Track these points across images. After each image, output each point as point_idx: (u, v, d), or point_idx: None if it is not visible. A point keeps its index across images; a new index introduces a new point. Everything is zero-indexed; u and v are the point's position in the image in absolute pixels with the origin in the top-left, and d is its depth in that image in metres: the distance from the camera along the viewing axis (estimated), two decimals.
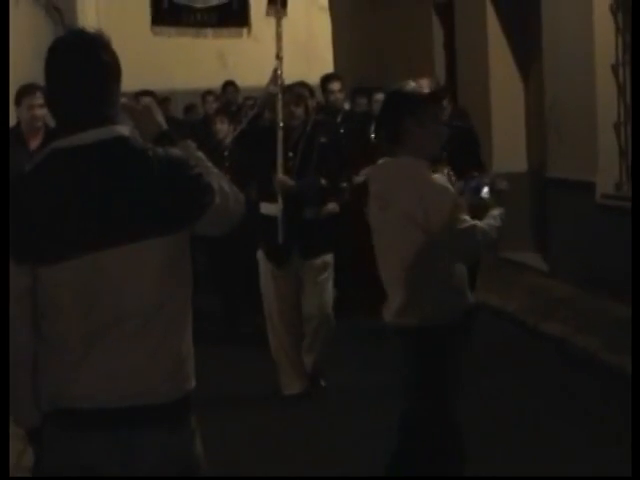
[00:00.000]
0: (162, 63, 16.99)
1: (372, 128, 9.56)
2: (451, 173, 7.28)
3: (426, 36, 13.68)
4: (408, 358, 4.23)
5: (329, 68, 15.93)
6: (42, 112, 6.74)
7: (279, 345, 6.98)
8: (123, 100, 3.02)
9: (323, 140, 6.94)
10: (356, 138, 8.83)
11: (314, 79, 9.80)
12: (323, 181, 6.83)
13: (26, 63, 9.92)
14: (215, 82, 14.19)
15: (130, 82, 13.53)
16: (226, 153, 8.69)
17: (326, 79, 10.22)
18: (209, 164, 3.06)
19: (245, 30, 10.84)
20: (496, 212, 4.34)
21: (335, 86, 9.93)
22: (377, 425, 5.85)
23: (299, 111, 6.88)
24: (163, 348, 2.87)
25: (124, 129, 2.88)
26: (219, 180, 2.99)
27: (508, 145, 11.45)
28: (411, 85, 4.32)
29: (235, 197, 3.03)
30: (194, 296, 3.01)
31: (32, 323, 2.88)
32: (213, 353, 7.63)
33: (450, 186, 4.24)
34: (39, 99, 6.80)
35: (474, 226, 4.17)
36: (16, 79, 8.52)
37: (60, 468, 2.87)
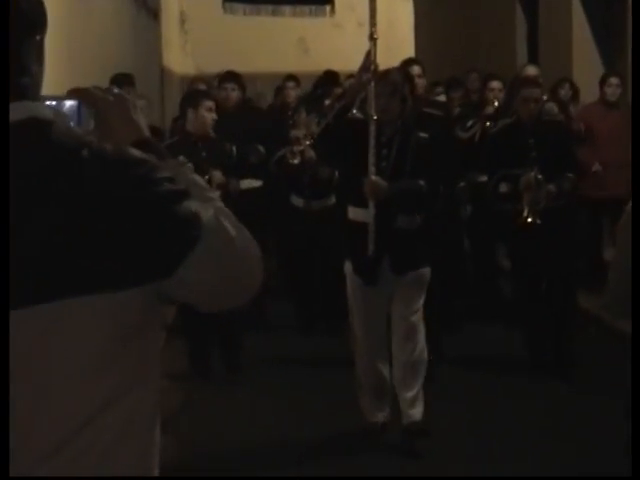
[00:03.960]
0: (241, 43, 16.94)
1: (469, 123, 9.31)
2: (539, 176, 6.96)
3: (509, 27, 13.53)
4: None
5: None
6: None
7: (365, 366, 6.05)
8: (90, 87, 2.05)
9: (422, 135, 5.99)
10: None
11: None
12: (422, 183, 5.86)
13: (110, 46, 10.03)
14: (295, 67, 14.20)
15: (207, 62, 13.51)
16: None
17: (405, 63, 9.26)
18: (211, 194, 1.99)
19: (328, 8, 9.68)
20: None
21: (415, 70, 8.99)
22: None
23: (394, 102, 5.88)
24: None
25: (45, 110, 1.82)
26: (221, 216, 1.87)
27: None
28: None
29: (246, 248, 1.90)
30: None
31: None
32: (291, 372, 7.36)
33: None
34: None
35: None
36: (101, 62, 8.64)
37: None
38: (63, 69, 6.50)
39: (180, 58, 17.23)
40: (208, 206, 1.87)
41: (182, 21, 17.97)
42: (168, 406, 5.72)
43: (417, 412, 5.99)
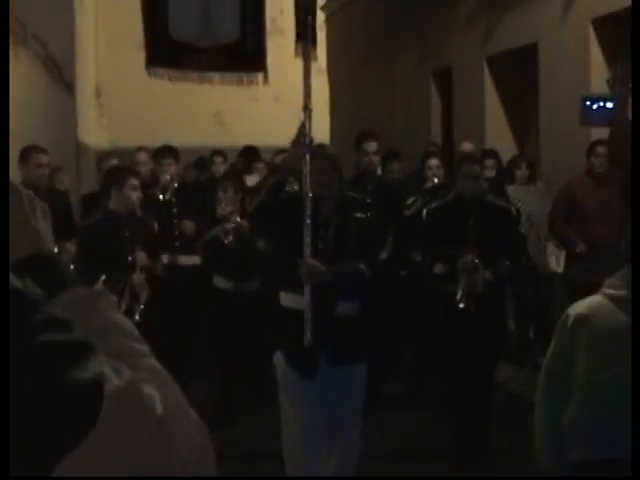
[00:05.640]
0: (157, 117, 16.90)
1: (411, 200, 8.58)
2: (476, 260, 6.60)
3: (424, 102, 13.73)
4: None
5: (326, 132, 15.99)
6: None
7: (296, 467, 5.41)
8: None
9: (360, 216, 5.61)
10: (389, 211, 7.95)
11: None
12: (362, 267, 5.43)
13: (24, 118, 9.93)
14: (211, 142, 14.20)
15: (123, 136, 13.41)
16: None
17: (361, 137, 8.70)
18: (140, 345, 1.37)
19: (260, 76, 9.27)
20: None
21: (372, 147, 8.49)
22: None
23: (333, 178, 5.50)
24: None
25: None
26: (145, 384, 1.27)
27: None
28: None
29: (182, 432, 1.27)
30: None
31: None
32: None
33: None
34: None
35: None
36: (16, 135, 8.55)
37: None
38: None
39: (96, 132, 17.13)
40: (122, 366, 1.24)
41: (98, 94, 17.89)
42: None
43: None
